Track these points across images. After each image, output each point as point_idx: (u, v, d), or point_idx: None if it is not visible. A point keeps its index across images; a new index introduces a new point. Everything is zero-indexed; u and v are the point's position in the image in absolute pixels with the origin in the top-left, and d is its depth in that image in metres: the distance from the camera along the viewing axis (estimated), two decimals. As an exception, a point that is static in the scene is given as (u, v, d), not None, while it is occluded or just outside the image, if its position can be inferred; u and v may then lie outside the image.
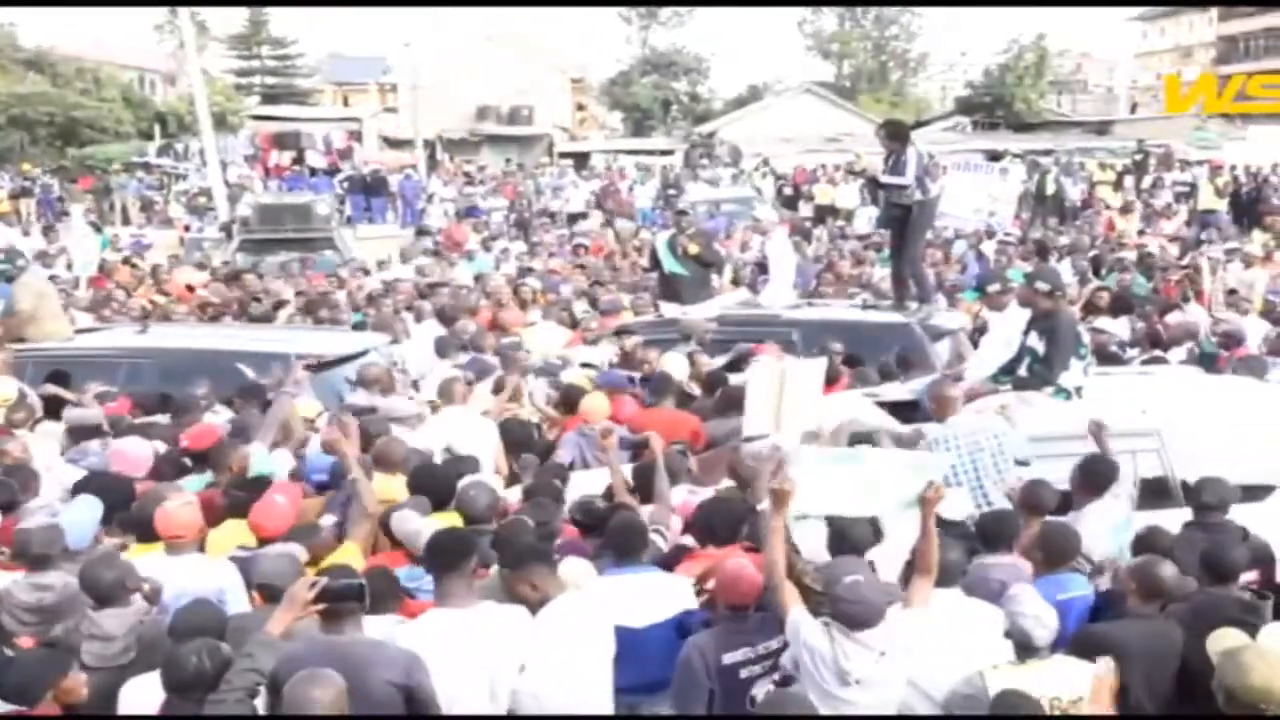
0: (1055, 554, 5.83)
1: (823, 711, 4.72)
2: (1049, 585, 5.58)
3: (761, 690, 5.14)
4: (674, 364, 9.82)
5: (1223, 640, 4.84)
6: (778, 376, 7.41)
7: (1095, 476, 6.69)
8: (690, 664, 5.14)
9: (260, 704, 4.63)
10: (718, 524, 6.21)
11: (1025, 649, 4.99)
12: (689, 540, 6.42)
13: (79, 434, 8.41)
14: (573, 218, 29.27)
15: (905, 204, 10.86)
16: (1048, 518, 6.35)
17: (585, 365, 10.36)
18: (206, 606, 5.26)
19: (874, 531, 5.70)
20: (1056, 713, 4.86)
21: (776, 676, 5.13)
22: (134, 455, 7.46)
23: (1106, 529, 6.40)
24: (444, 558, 5.20)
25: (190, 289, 16.02)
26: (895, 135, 11.08)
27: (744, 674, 5.16)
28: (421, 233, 24.11)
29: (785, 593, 5.06)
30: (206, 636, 4.79)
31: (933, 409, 7.38)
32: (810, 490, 5.34)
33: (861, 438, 7.11)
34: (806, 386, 7.51)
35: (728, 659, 5.14)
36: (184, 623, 5.03)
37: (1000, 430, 7.14)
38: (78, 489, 6.92)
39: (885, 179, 10.93)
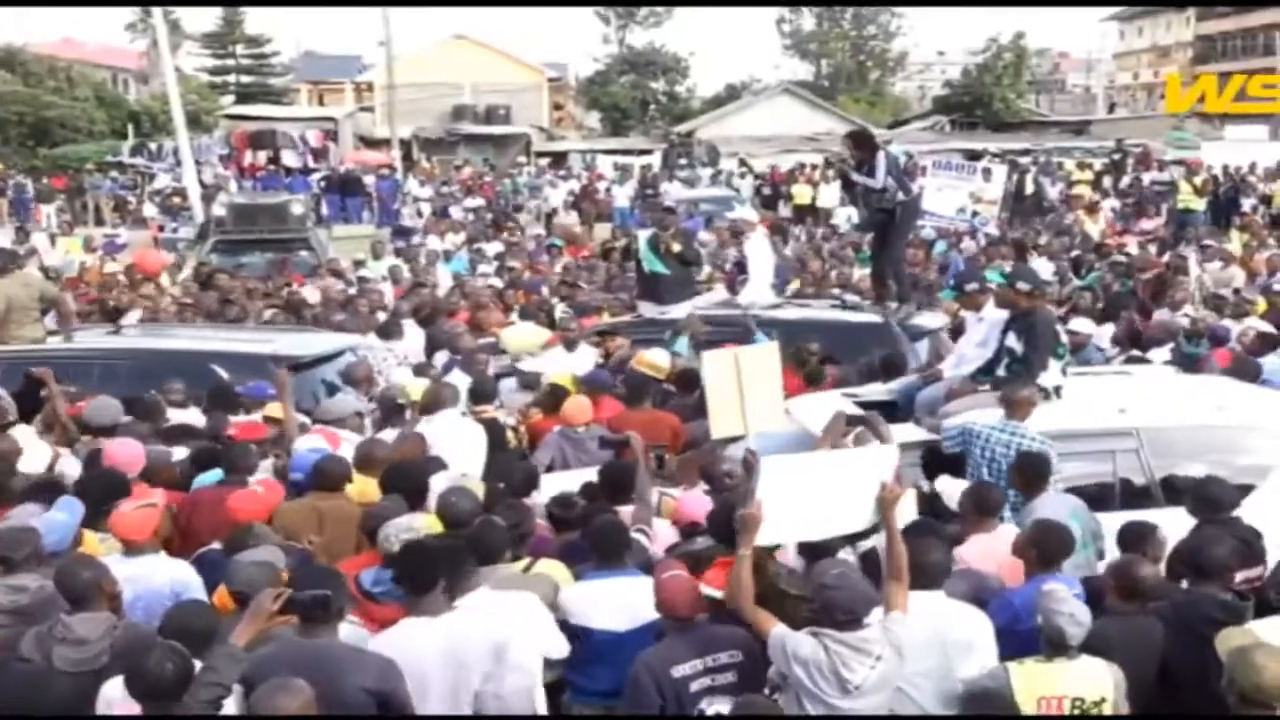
0: (1049, 553, 5.77)
1: None
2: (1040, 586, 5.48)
3: (712, 704, 5.05)
4: (659, 358, 9.74)
5: (1232, 639, 4.77)
6: (733, 369, 7.24)
7: (1032, 470, 6.68)
8: (638, 680, 5.07)
9: (231, 706, 4.58)
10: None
11: (1055, 647, 4.93)
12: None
13: None
14: (550, 217, 29.21)
15: (888, 208, 10.93)
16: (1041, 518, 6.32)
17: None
18: (199, 606, 5.26)
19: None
20: (1078, 713, 4.82)
21: (740, 695, 4.99)
22: (125, 456, 7.34)
23: (1065, 516, 6.30)
24: (410, 582, 5.19)
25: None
26: (860, 144, 11.31)
27: (694, 687, 5.07)
28: (400, 232, 23.96)
29: (758, 616, 5.01)
30: (194, 637, 4.74)
31: (1006, 410, 7.19)
32: (779, 516, 5.21)
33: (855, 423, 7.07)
34: (764, 375, 7.37)
35: (677, 672, 5.06)
36: (173, 622, 4.95)
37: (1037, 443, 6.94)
38: (78, 485, 6.80)
39: (857, 178, 11.13)
